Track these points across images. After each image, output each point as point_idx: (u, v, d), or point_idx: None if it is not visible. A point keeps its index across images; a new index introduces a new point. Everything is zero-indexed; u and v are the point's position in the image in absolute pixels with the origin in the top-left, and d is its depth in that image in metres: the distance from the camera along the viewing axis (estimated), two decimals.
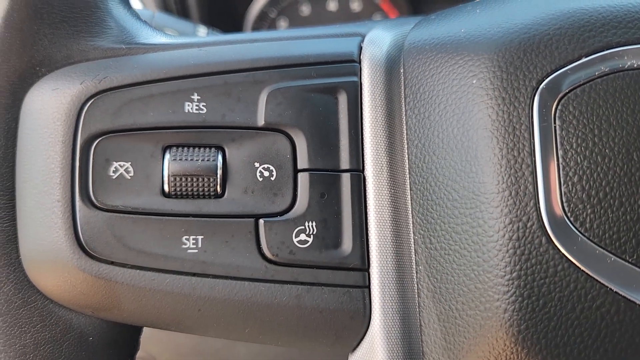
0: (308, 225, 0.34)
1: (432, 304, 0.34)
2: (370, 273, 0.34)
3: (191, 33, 0.64)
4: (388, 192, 0.35)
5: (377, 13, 1.01)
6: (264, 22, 1.01)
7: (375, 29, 0.39)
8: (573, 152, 0.31)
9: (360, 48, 0.37)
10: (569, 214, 0.30)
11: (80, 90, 0.34)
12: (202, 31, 0.64)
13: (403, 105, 0.36)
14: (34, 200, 0.33)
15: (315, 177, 0.34)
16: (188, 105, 0.34)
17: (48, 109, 0.33)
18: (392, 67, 0.36)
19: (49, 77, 0.34)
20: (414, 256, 0.34)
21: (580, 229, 0.30)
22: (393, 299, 0.34)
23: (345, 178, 0.35)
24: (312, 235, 0.34)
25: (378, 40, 0.38)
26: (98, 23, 0.36)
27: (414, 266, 0.34)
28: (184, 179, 0.33)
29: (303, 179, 0.34)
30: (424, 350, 0.34)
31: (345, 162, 0.35)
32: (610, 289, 0.30)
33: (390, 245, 0.34)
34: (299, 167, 0.35)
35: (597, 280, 0.30)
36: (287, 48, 0.37)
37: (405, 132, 0.35)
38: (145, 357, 0.68)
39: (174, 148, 0.34)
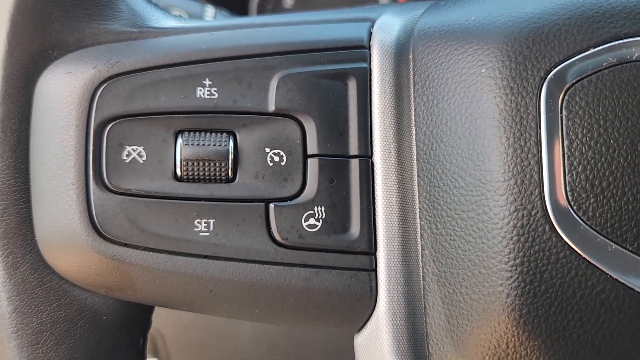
0: (317, 210, 0.35)
1: (436, 288, 0.34)
2: (377, 257, 0.35)
3: (199, 13, 0.63)
4: (396, 178, 0.35)
5: None
6: None
7: (385, 14, 0.39)
8: (578, 142, 0.31)
9: (370, 34, 0.37)
10: (572, 203, 0.31)
11: (93, 74, 0.34)
12: (210, 11, 0.64)
13: (412, 92, 0.36)
14: (49, 183, 0.34)
15: (324, 163, 0.35)
16: (200, 90, 0.34)
17: (61, 92, 0.34)
18: (401, 54, 0.37)
19: (62, 60, 0.35)
20: (420, 241, 0.35)
21: (583, 217, 0.31)
22: (399, 282, 0.35)
23: (354, 164, 0.35)
24: (321, 220, 0.35)
25: (388, 26, 0.38)
26: (109, 6, 0.36)
27: (420, 250, 0.35)
28: (195, 164, 0.34)
29: (313, 164, 0.35)
30: (428, 332, 0.35)
31: (354, 148, 0.35)
32: (611, 276, 0.31)
33: (397, 230, 0.35)
34: (309, 152, 0.35)
35: (597, 268, 0.31)
36: (297, 33, 0.37)
37: (413, 119, 0.36)
38: (151, 332, 0.69)
39: (186, 133, 0.34)
